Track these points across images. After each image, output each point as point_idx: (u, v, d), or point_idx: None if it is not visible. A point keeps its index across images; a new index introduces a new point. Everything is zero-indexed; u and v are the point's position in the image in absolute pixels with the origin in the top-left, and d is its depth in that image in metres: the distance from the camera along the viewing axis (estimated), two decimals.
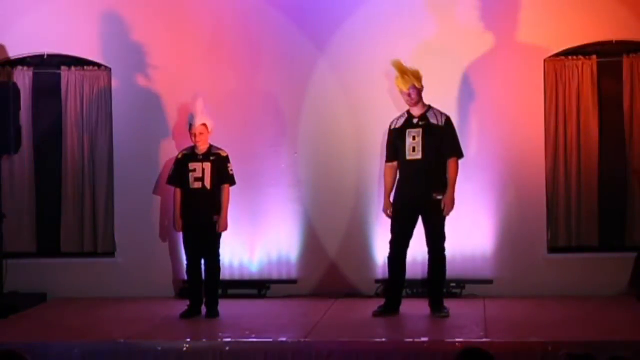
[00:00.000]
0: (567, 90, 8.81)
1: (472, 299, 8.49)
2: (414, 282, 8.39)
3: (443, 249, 7.71)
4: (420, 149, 7.60)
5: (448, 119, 7.74)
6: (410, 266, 8.04)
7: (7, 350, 4.17)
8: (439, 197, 7.60)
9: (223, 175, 7.97)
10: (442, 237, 7.70)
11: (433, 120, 7.69)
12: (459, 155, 7.79)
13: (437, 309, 7.65)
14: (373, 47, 8.70)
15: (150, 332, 7.36)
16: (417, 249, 7.90)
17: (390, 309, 7.71)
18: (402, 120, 7.78)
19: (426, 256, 7.85)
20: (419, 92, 7.69)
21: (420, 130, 7.63)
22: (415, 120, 7.70)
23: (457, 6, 8.71)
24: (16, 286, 8.74)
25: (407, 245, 7.75)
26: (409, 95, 7.66)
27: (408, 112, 7.79)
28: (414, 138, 7.63)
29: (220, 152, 8.03)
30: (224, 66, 8.91)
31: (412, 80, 7.65)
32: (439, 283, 7.77)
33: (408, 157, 7.64)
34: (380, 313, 7.69)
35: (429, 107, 7.74)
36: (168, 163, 8.61)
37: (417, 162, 7.61)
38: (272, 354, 6.71)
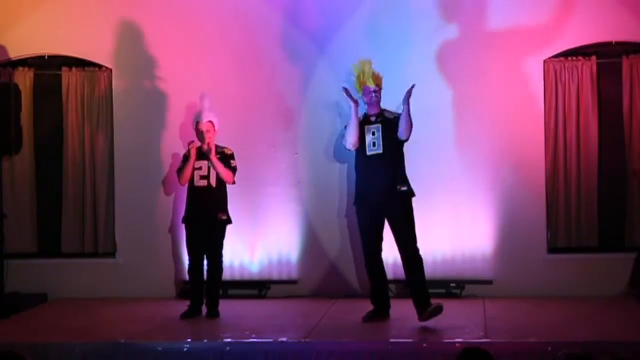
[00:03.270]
0: (566, 91, 8.83)
1: (471, 300, 8.50)
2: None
3: (416, 249, 7.41)
4: (380, 143, 7.54)
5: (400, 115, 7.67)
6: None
7: (7, 350, 4.17)
8: (403, 189, 7.48)
9: (226, 168, 7.98)
10: (411, 235, 7.41)
11: (388, 116, 7.67)
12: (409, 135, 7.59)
13: (425, 305, 7.25)
14: (373, 47, 8.71)
15: (150, 332, 7.37)
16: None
17: (379, 314, 7.60)
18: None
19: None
20: (380, 93, 7.71)
21: (380, 125, 7.58)
22: (372, 118, 7.66)
23: (457, 8, 8.72)
24: (17, 286, 8.76)
25: (379, 250, 7.60)
26: (375, 92, 7.64)
27: (364, 113, 7.76)
28: (373, 133, 7.58)
29: (225, 149, 8.06)
30: (224, 67, 8.92)
31: (378, 81, 7.68)
32: (420, 284, 7.38)
33: (368, 153, 7.57)
34: (369, 318, 7.56)
35: (383, 109, 7.70)
36: (173, 165, 8.64)
37: (378, 156, 7.53)
38: (272, 354, 6.72)
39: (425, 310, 7.27)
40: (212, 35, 8.94)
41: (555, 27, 8.63)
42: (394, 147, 7.55)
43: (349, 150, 7.77)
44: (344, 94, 7.66)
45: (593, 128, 8.80)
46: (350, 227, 8.68)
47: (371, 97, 7.66)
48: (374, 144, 7.56)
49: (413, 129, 7.55)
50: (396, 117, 7.59)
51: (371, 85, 7.66)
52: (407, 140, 7.59)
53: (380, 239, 7.59)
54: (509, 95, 8.70)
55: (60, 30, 9.04)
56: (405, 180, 7.54)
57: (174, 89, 8.94)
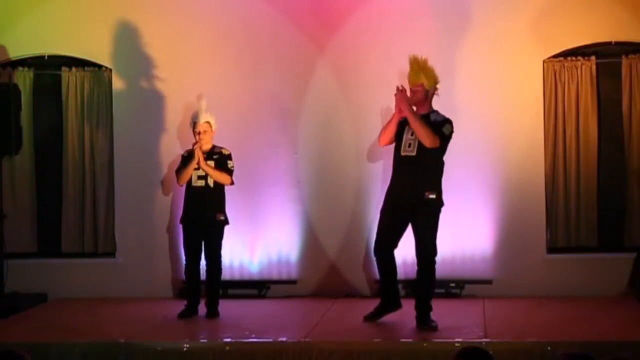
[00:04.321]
0: (566, 91, 8.83)
1: (471, 299, 8.51)
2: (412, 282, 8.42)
3: (432, 261, 7.25)
4: (416, 145, 7.25)
5: (447, 119, 7.36)
6: (410, 267, 8.03)
7: (7, 350, 4.18)
8: (432, 196, 7.23)
9: (223, 170, 7.96)
10: (432, 244, 7.24)
11: (433, 119, 7.35)
12: (439, 139, 7.25)
13: (423, 321, 7.22)
14: (373, 47, 8.72)
15: (150, 332, 7.37)
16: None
17: (384, 309, 7.44)
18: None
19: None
20: (425, 92, 7.35)
21: None
22: None
23: (456, 8, 8.72)
24: (17, 286, 8.76)
25: (391, 250, 7.38)
26: (411, 91, 7.37)
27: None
28: (412, 134, 7.30)
29: (222, 150, 8.05)
30: (225, 67, 8.93)
31: (421, 79, 7.38)
32: (425, 297, 7.28)
33: (402, 153, 7.33)
34: (371, 318, 7.41)
35: (433, 110, 7.40)
36: (171, 166, 8.64)
37: (411, 158, 7.27)
38: (272, 354, 6.72)
39: (424, 325, 7.20)
40: (212, 35, 8.94)
41: (555, 28, 8.64)
42: (430, 152, 7.23)
43: (380, 146, 7.63)
44: (396, 94, 7.32)
45: (593, 128, 8.81)
46: (354, 227, 8.71)
47: (420, 96, 7.36)
48: (409, 145, 7.29)
49: (450, 133, 7.29)
50: (437, 122, 7.29)
51: (427, 86, 7.35)
52: (435, 148, 7.22)
53: (396, 240, 7.36)
54: (508, 95, 8.70)
55: (60, 30, 9.05)
56: (436, 189, 7.26)
57: (175, 89, 8.94)
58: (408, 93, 7.40)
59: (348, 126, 8.79)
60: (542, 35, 8.65)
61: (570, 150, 8.83)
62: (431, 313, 7.27)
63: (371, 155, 8.74)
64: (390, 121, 7.44)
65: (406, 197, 7.28)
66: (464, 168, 8.63)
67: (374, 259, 8.29)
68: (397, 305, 7.50)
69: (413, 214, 7.28)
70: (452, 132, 7.34)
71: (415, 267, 7.40)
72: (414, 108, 7.38)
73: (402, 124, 7.39)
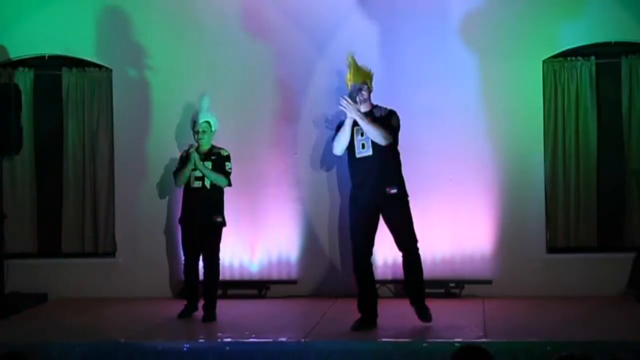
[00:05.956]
0: (565, 91, 8.83)
1: (471, 299, 8.51)
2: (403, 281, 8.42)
3: (416, 248, 7.27)
4: (370, 144, 7.22)
5: (392, 110, 7.37)
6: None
7: (12, 351, 4.18)
8: (393, 191, 7.21)
9: (220, 171, 7.94)
10: (410, 234, 7.25)
11: (378, 114, 7.35)
12: (391, 135, 7.26)
13: (423, 314, 7.30)
14: (373, 47, 8.72)
15: (150, 332, 7.38)
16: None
17: (367, 323, 7.28)
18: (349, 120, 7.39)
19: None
20: (369, 90, 7.39)
21: None
22: None
23: (456, 8, 8.72)
24: (17, 286, 8.76)
25: (370, 254, 7.32)
26: (361, 90, 7.34)
27: None
28: (362, 134, 7.26)
29: (221, 150, 8.02)
30: (224, 67, 8.93)
31: (364, 77, 7.41)
32: (418, 285, 7.33)
33: (358, 155, 7.28)
34: (358, 327, 7.25)
35: (375, 105, 7.41)
36: (167, 168, 8.65)
37: (368, 158, 7.23)
38: (272, 354, 6.73)
39: (427, 316, 7.28)
40: (212, 35, 8.94)
41: (554, 28, 8.64)
42: (385, 147, 7.23)
43: (336, 155, 7.55)
44: (342, 105, 7.28)
45: (592, 128, 8.81)
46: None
47: (367, 93, 7.36)
48: (363, 145, 7.27)
49: (398, 129, 7.31)
50: (383, 116, 7.30)
51: (357, 82, 7.38)
52: (391, 143, 7.24)
53: (371, 242, 7.31)
54: (508, 95, 8.70)
55: (61, 30, 9.05)
56: (397, 182, 7.27)
57: (175, 89, 8.94)
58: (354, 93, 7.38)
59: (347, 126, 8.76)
60: (542, 35, 8.65)
61: (570, 150, 8.84)
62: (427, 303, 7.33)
63: None
64: (344, 130, 7.33)
65: (371, 197, 7.25)
66: (464, 168, 8.64)
67: (373, 259, 8.28)
68: (374, 323, 7.36)
69: (382, 212, 7.29)
70: (399, 121, 7.35)
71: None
72: (361, 107, 7.35)
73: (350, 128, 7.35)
